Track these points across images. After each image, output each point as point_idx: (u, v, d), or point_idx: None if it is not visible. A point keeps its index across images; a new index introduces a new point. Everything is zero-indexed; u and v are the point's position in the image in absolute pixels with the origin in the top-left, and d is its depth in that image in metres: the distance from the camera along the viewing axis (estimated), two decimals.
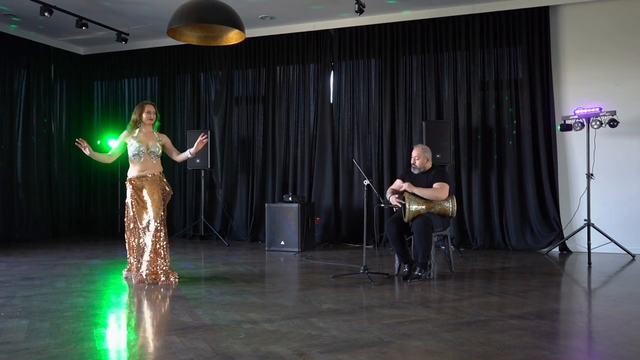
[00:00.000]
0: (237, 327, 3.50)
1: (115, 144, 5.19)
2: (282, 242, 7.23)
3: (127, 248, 5.15)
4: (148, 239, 4.94)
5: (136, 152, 5.01)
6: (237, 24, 5.13)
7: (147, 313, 4.05)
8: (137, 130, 5.08)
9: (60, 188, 9.17)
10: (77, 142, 4.99)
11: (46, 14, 6.99)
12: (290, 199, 7.32)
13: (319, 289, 4.76)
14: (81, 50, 9.61)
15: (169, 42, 8.58)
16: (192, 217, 8.86)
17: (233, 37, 5.55)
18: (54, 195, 9.04)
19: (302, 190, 8.21)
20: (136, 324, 3.71)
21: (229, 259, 6.64)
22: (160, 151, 5.14)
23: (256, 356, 2.92)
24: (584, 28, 7.16)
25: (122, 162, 8.98)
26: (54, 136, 9.12)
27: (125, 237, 5.14)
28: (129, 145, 5.04)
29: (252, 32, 8.15)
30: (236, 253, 7.15)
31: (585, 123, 6.40)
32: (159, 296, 4.57)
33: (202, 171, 8.46)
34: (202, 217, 8.40)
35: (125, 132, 5.12)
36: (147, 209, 4.97)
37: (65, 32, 8.53)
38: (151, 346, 3.19)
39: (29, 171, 8.61)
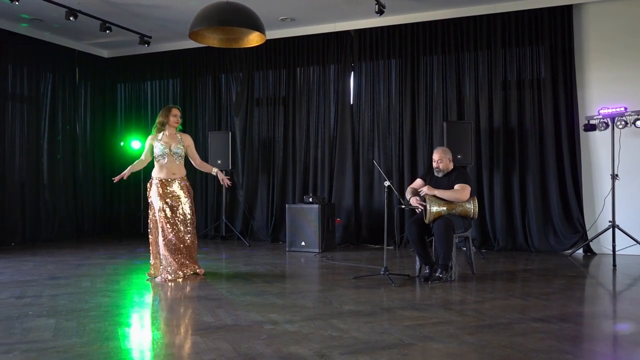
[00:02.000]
0: (259, 327, 3.53)
1: (145, 148, 5.32)
2: (303, 243, 7.25)
3: (152, 249, 5.28)
4: (180, 238, 5.20)
5: (160, 154, 5.18)
6: (257, 26, 5.17)
7: (170, 313, 4.10)
8: (162, 134, 5.26)
9: (84, 188, 9.34)
10: (114, 180, 5.22)
11: (71, 18, 7.14)
12: (310, 199, 7.35)
13: (340, 290, 4.77)
14: (105, 53, 9.77)
15: (191, 44, 8.67)
16: (213, 218, 8.94)
17: (254, 39, 5.60)
18: (78, 196, 9.21)
19: (323, 191, 8.23)
20: (159, 324, 3.77)
21: (250, 259, 6.69)
22: (184, 153, 5.31)
23: (278, 357, 2.94)
24: (608, 26, 7.05)
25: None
26: (78, 137, 9.29)
27: (151, 237, 5.27)
28: (155, 147, 5.22)
29: (273, 34, 8.20)
30: (257, 253, 7.20)
31: (609, 123, 6.31)
32: (182, 296, 4.63)
33: (223, 172, 8.48)
34: (224, 217, 8.47)
35: (150, 137, 5.29)
36: (179, 210, 5.18)
37: (90, 36, 8.68)
38: (174, 346, 3.24)
39: (54, 172, 8.79)
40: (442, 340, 3.24)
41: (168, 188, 5.17)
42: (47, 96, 8.72)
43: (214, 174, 5.51)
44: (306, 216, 7.25)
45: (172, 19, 7.88)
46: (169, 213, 5.15)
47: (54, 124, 8.80)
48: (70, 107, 9.11)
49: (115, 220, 9.73)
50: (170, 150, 5.20)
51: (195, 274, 5.40)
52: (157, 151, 5.19)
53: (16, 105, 8.25)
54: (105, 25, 7.71)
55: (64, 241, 8.60)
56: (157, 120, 5.30)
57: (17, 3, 6.63)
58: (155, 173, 5.23)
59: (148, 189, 5.27)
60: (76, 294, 4.60)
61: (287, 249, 7.37)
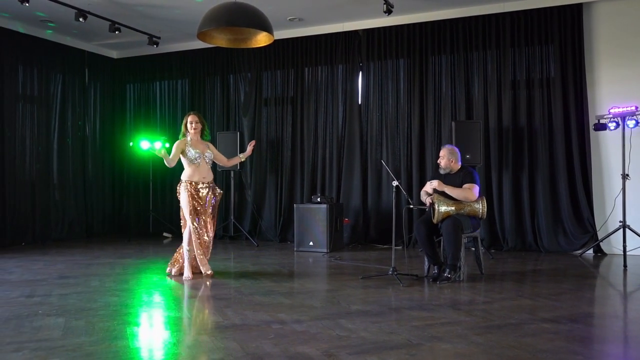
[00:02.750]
0: (267, 327, 3.53)
1: (173, 152, 5.38)
2: (311, 243, 7.25)
3: (187, 245, 5.32)
4: (205, 237, 5.43)
5: (194, 158, 5.37)
6: (265, 27, 5.18)
7: (178, 312, 4.11)
8: (189, 139, 5.44)
9: (94, 189, 9.39)
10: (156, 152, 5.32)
11: (81, 19, 7.19)
12: (318, 199, 7.34)
13: (348, 290, 4.76)
14: (114, 54, 9.82)
15: (199, 44, 8.70)
16: (221, 218, 8.94)
17: (262, 39, 5.61)
18: (88, 196, 9.26)
19: (331, 191, 8.22)
20: (168, 323, 3.78)
21: (258, 259, 6.69)
22: (212, 157, 5.58)
23: (285, 356, 2.94)
24: (618, 25, 6.99)
25: (154, 164, 9.18)
26: (88, 138, 9.35)
27: (187, 234, 5.36)
28: (187, 152, 5.39)
29: (281, 34, 8.20)
30: (265, 253, 7.21)
31: (620, 122, 6.26)
32: (190, 296, 4.64)
33: (232, 172, 8.54)
34: (232, 217, 8.49)
35: (179, 141, 5.43)
36: (207, 212, 5.42)
37: (99, 37, 8.74)
38: (183, 345, 3.24)
39: (64, 172, 8.85)
40: (451, 341, 3.23)
41: (199, 190, 5.37)
42: (57, 97, 8.77)
43: (243, 158, 5.97)
44: (314, 216, 7.25)
45: (180, 20, 7.91)
46: (198, 213, 5.34)
47: (64, 124, 8.86)
48: (79, 108, 9.17)
49: (125, 220, 9.77)
50: (204, 155, 5.44)
51: (205, 273, 5.42)
52: (190, 155, 5.37)
53: (26, 106, 8.31)
54: (115, 26, 7.75)
55: (74, 241, 8.65)
56: (182, 130, 5.52)
57: (27, 4, 6.67)
58: (186, 176, 5.39)
59: (178, 191, 5.41)
60: (85, 293, 4.62)
61: (295, 249, 7.37)
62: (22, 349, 3.08)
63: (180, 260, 5.47)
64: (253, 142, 5.93)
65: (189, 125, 5.44)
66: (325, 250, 7.14)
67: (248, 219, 8.78)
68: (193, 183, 5.36)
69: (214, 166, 8.23)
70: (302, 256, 6.97)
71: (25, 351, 3.05)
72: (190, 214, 5.28)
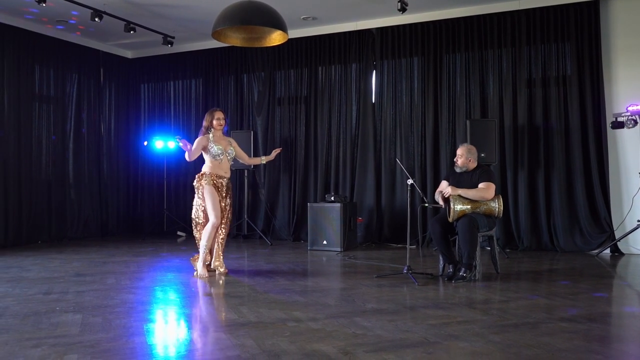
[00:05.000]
0: (282, 325, 3.53)
1: (193, 148, 5.37)
2: (325, 242, 7.24)
3: (206, 240, 5.33)
4: (219, 234, 5.43)
5: (216, 154, 5.37)
6: (280, 26, 5.19)
7: (194, 309, 4.13)
8: (211, 135, 5.42)
9: (109, 188, 9.46)
10: (178, 139, 5.33)
11: (96, 19, 7.25)
12: (332, 198, 7.33)
13: (362, 289, 4.75)
14: (129, 54, 9.89)
15: (213, 44, 8.73)
16: (235, 217, 8.95)
17: (276, 38, 5.62)
18: (103, 195, 9.34)
19: (344, 189, 8.21)
20: (184, 320, 3.79)
21: (272, 258, 6.70)
22: (234, 154, 5.57)
23: (302, 354, 2.94)
24: (636, 22, 6.90)
25: (168, 163, 9.23)
26: (103, 137, 9.42)
27: (200, 230, 5.42)
28: (210, 148, 5.37)
29: (295, 33, 8.20)
30: (279, 252, 7.21)
31: (638, 120, 6.18)
32: (205, 293, 4.66)
33: (245, 171, 8.57)
34: (246, 216, 8.51)
35: (200, 138, 5.41)
36: (222, 208, 5.39)
37: (114, 37, 8.80)
38: (199, 342, 3.25)
39: (80, 172, 8.92)
40: (468, 339, 3.20)
41: (219, 184, 5.39)
42: (72, 96, 8.86)
43: (264, 161, 5.91)
44: (328, 215, 7.24)
45: (195, 19, 7.95)
46: (220, 206, 5.36)
47: (80, 124, 8.94)
48: (95, 107, 9.25)
49: (139, 219, 9.83)
50: (226, 151, 5.44)
51: (219, 271, 5.44)
52: (213, 152, 5.37)
53: (43, 106, 8.40)
54: (130, 26, 7.81)
55: (89, 239, 8.73)
56: (203, 125, 5.47)
57: (44, 5, 6.74)
58: (208, 169, 5.38)
59: (199, 184, 5.36)
60: (101, 291, 4.66)
61: (308, 248, 7.37)
62: (41, 345, 3.11)
63: (204, 255, 5.43)
64: (279, 150, 5.91)
65: (215, 122, 5.40)
66: (338, 249, 7.13)
67: (262, 218, 8.80)
68: (215, 175, 5.36)
69: None
70: (316, 255, 6.97)
71: (44, 347, 3.07)
72: (214, 207, 5.27)
